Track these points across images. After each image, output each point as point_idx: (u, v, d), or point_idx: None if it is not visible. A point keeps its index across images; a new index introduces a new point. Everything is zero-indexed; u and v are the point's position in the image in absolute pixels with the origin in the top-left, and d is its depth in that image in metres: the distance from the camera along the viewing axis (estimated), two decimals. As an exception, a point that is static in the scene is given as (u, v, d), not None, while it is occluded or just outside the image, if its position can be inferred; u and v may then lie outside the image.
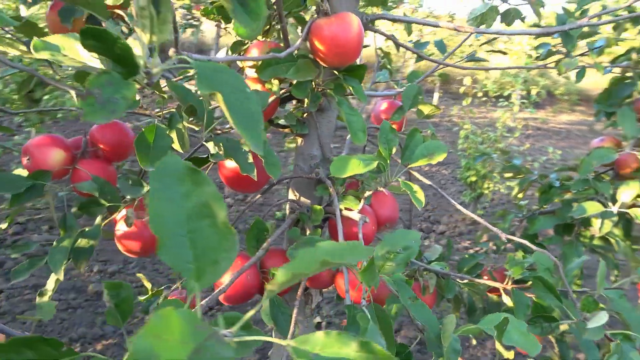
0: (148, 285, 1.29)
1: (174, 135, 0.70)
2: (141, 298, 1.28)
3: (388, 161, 0.73)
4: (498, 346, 0.51)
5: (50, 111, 2.57)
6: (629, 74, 1.24)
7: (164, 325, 0.22)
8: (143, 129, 0.67)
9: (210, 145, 0.65)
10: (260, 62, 0.74)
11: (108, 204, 0.84)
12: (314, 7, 0.82)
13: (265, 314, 0.79)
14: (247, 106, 0.33)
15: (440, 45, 1.34)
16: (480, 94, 4.66)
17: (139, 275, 1.32)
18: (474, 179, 3.15)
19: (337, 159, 0.69)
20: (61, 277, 0.73)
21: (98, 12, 0.38)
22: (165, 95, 0.72)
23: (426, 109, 0.88)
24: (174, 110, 0.75)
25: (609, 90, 1.28)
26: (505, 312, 0.89)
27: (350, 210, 0.77)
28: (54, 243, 0.76)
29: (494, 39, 1.32)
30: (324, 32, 0.73)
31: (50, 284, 0.82)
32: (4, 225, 0.96)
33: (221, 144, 0.66)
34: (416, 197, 0.67)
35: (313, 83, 0.79)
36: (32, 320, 0.78)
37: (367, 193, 0.79)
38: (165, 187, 0.33)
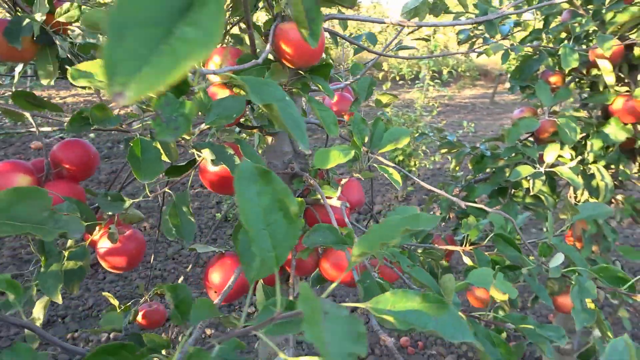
0: (115, 302, 1.27)
1: (159, 146, 0.72)
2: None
3: (361, 150, 0.80)
4: (493, 291, 0.61)
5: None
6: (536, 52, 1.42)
7: (308, 293, 0.28)
8: (131, 144, 0.68)
9: (206, 152, 0.68)
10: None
11: (86, 224, 0.83)
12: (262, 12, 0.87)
13: (262, 305, 0.83)
14: (292, 113, 0.38)
15: (371, 37, 1.44)
16: (397, 78, 4.93)
17: (105, 294, 1.29)
18: (401, 157, 3.34)
19: (319, 152, 0.75)
20: (59, 301, 0.72)
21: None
22: (144, 107, 0.73)
23: (384, 98, 0.96)
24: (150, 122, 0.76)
25: (521, 67, 1.45)
26: (468, 271, 1.01)
27: (330, 198, 0.84)
28: (42, 269, 0.74)
29: (418, 28, 1.44)
30: (289, 36, 0.77)
31: (38, 312, 0.80)
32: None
33: (209, 150, 0.69)
34: (394, 179, 0.75)
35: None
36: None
37: (343, 181, 0.85)
38: (243, 188, 0.37)
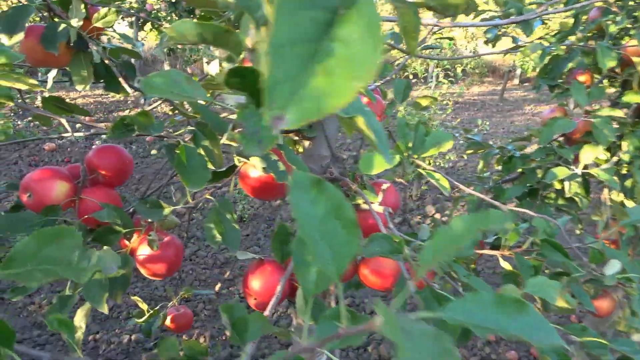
0: (144, 307, 1.26)
1: (203, 152, 0.71)
2: (138, 320, 1.25)
3: (405, 154, 0.78)
4: (560, 302, 0.59)
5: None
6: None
7: (389, 315, 0.26)
8: (177, 151, 0.67)
9: (255, 160, 0.67)
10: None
11: (125, 231, 0.82)
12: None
13: (304, 313, 0.82)
14: (374, 124, 0.37)
15: (397, 37, 1.42)
16: (410, 76, 4.90)
17: (134, 297, 1.28)
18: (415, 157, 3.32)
19: (364, 157, 0.74)
20: (106, 310, 0.71)
21: (234, 52, 0.39)
22: (191, 114, 0.72)
23: (424, 101, 0.95)
24: (192, 128, 0.75)
25: (548, 65, 1.43)
26: (506, 276, 0.99)
27: (372, 203, 0.82)
28: (85, 278, 0.73)
29: (442, 28, 1.42)
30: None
31: (80, 320, 0.79)
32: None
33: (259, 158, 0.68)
34: (441, 185, 0.74)
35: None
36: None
37: (385, 186, 0.84)
38: (296, 198, 0.36)
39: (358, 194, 0.81)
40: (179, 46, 5.39)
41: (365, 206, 0.85)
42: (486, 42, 1.41)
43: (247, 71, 0.34)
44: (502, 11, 1.36)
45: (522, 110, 7.25)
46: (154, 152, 4.45)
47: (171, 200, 0.87)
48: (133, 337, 2.02)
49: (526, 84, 10.02)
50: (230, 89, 0.35)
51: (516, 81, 10.00)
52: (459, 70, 4.64)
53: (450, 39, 1.58)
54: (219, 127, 0.68)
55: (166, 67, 7.03)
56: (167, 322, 1.28)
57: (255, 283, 0.84)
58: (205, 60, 6.38)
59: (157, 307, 1.29)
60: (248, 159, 0.72)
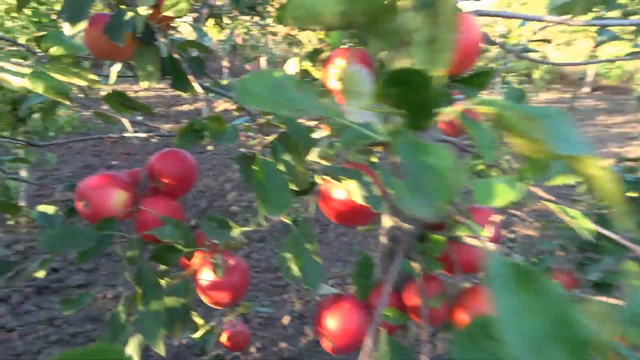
0: (200, 321, 1.17)
1: (282, 168, 0.59)
2: (194, 336, 1.16)
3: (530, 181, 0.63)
4: None
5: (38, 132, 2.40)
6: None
7: None
8: (253, 167, 0.56)
9: (353, 186, 0.54)
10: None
11: (186, 250, 0.72)
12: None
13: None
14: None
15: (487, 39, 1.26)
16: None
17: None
18: (482, 167, 3.10)
19: (480, 184, 0.59)
20: (162, 352, 0.61)
21: (387, 42, 0.27)
22: (271, 121, 0.60)
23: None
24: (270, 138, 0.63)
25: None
26: None
27: (476, 237, 0.67)
28: (140, 307, 0.63)
29: (545, 27, 1.24)
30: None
31: (133, 349, 0.70)
32: (41, 274, 0.84)
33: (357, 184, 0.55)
34: (581, 226, 0.58)
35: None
36: None
37: (495, 218, 0.69)
38: (501, 300, 0.23)
39: (461, 225, 0.67)
40: (240, 42, 5.37)
41: (468, 240, 0.70)
42: (596, 45, 1.22)
43: (415, 76, 0.21)
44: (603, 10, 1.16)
45: (593, 121, 6.77)
46: (210, 147, 4.45)
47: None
48: (183, 340, 1.96)
49: (598, 92, 9.35)
50: (384, 102, 0.22)
51: (587, 89, 9.35)
52: (537, 75, 4.32)
53: (549, 41, 1.40)
54: (305, 141, 0.56)
55: (225, 63, 7.07)
56: (223, 339, 1.19)
57: (332, 322, 0.71)
58: (264, 58, 6.34)
59: (214, 324, 1.20)
60: (338, 180, 0.59)
